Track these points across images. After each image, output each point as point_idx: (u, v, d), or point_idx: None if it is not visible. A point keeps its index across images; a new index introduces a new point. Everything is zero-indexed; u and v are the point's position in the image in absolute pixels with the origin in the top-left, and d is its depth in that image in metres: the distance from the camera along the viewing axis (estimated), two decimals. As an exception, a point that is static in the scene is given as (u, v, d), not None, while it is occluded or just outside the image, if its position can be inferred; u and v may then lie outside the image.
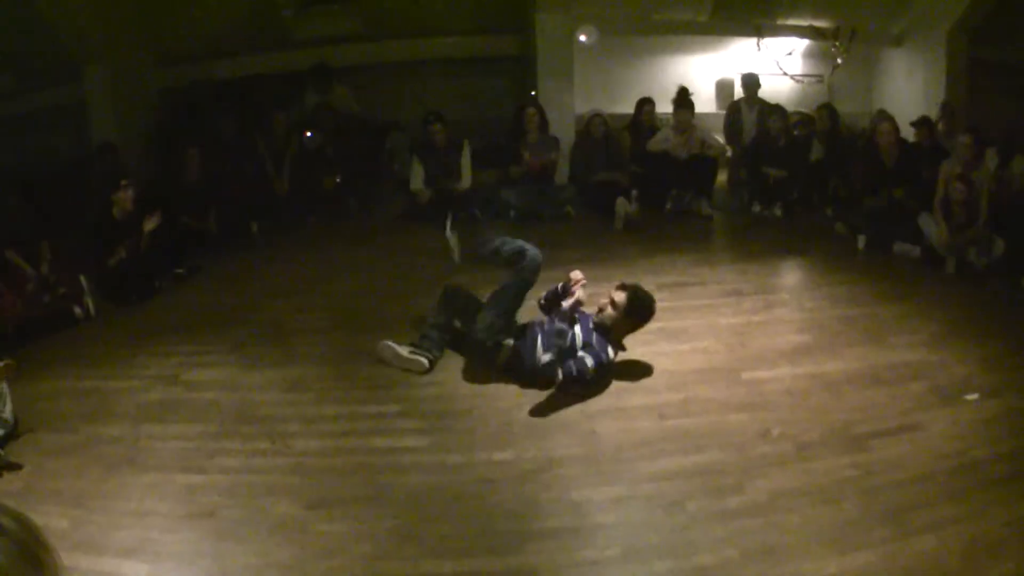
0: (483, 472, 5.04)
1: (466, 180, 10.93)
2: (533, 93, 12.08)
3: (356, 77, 12.53)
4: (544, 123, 11.21)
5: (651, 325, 6.65)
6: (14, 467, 5.34)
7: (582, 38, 12.24)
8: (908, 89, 13.16)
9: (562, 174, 11.60)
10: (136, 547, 4.45)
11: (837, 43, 13.08)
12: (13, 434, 5.60)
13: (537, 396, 5.85)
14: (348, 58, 12.56)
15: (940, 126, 10.95)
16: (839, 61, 13.24)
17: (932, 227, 8.67)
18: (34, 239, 8.33)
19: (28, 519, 1.63)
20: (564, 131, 11.79)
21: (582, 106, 12.39)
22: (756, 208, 10.72)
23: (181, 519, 4.72)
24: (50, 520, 4.64)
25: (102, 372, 6.78)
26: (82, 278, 8.08)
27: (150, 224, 8.56)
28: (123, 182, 8.55)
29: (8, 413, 5.61)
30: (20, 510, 1.71)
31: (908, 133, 10.57)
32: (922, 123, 10.68)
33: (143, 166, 11.14)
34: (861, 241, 9.26)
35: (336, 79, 12.11)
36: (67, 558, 4.10)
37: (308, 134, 11.18)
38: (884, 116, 10.29)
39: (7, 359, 5.63)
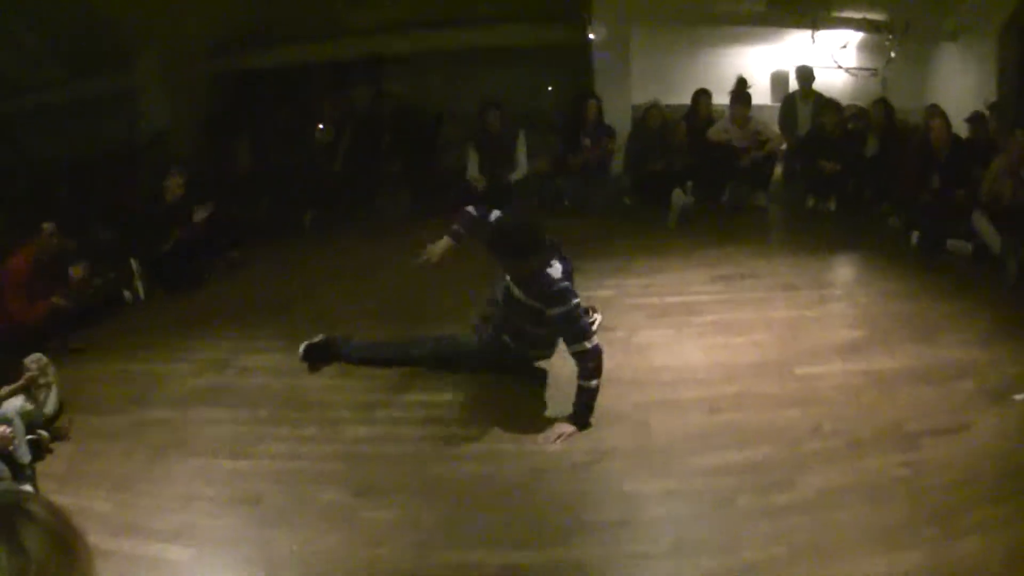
0: (534, 463, 5.02)
1: (522, 169, 10.92)
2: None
3: (409, 67, 12.53)
4: (601, 113, 11.17)
5: (705, 317, 6.62)
6: (62, 434, 5.51)
7: None
8: (961, 85, 12.91)
9: (617, 164, 11.56)
10: (181, 531, 4.49)
11: (891, 36, 12.92)
12: (54, 419, 5.66)
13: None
14: (400, 47, 12.54)
15: (992, 123, 10.79)
16: (893, 55, 13.06)
17: (984, 224, 8.52)
18: (83, 231, 8.44)
19: (58, 506, 1.63)
20: (620, 121, 11.71)
21: (638, 96, 12.33)
22: (810, 202, 10.61)
23: (227, 504, 4.76)
24: (93, 503, 4.72)
25: (152, 356, 6.85)
26: (133, 261, 8.15)
27: (201, 213, 8.63)
28: (173, 168, 8.62)
29: (51, 405, 5.67)
30: (49, 498, 1.73)
31: (961, 129, 10.41)
32: (975, 119, 10.51)
33: (195, 154, 11.21)
34: (914, 237, 9.11)
35: (393, 69, 12.17)
36: (110, 542, 4.21)
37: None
38: (936, 112, 10.09)
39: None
